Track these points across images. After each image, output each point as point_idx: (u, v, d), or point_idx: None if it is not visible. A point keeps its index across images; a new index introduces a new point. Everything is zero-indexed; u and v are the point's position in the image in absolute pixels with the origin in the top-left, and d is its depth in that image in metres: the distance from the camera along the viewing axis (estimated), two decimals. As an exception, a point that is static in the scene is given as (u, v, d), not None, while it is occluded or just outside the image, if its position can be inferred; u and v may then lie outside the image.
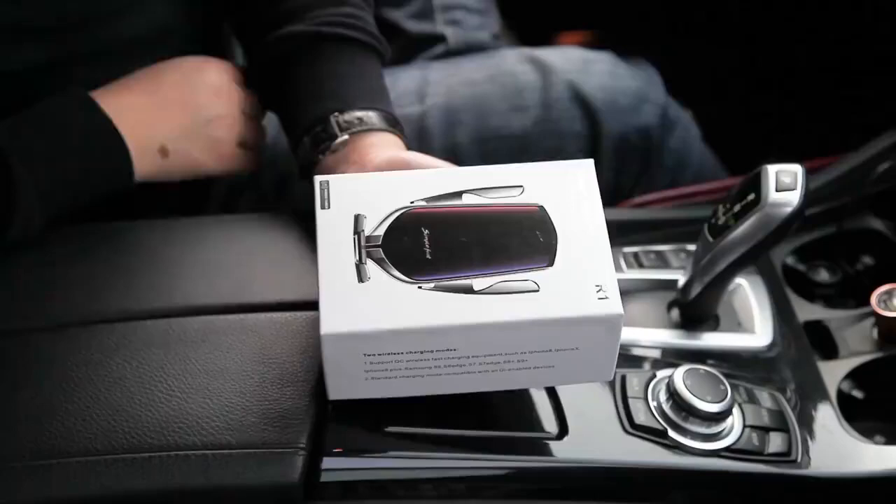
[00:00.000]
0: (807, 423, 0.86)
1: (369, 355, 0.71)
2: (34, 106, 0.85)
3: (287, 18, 0.92)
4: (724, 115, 1.59)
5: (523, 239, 0.73)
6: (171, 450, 0.73)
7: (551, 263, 0.72)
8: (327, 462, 0.74)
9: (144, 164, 0.90)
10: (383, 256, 0.72)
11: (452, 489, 0.78)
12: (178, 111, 0.90)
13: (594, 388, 0.83)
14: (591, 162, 0.77)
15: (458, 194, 0.76)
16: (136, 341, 0.80)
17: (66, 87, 0.87)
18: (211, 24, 1.04)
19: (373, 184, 0.77)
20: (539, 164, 0.77)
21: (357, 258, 0.72)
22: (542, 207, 0.75)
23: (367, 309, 0.70)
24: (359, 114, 0.88)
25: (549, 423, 0.79)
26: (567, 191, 0.76)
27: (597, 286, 0.71)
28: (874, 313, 0.94)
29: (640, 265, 0.97)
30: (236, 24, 1.00)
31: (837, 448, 0.85)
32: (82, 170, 0.87)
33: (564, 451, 0.78)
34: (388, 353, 0.71)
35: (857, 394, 0.93)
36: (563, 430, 0.79)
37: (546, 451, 0.78)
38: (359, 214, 0.74)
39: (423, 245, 0.73)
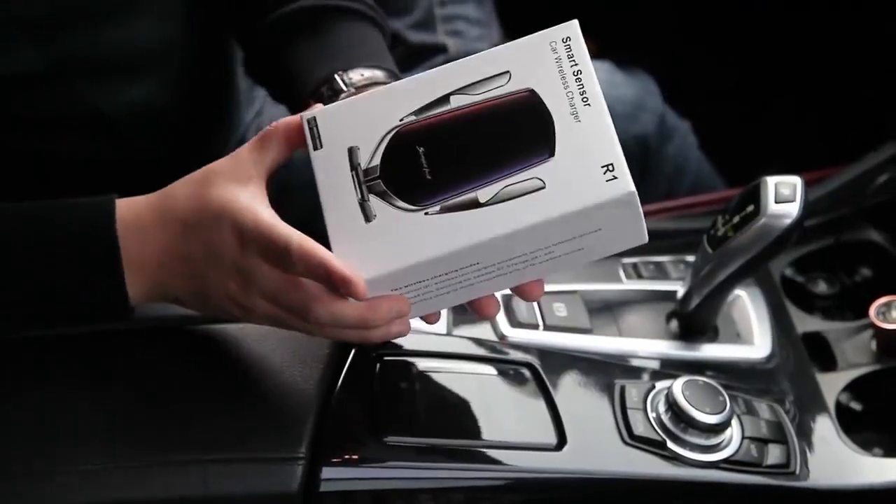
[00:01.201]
0: (805, 434, 0.86)
1: (396, 289, 0.71)
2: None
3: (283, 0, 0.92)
4: (722, 124, 1.59)
5: (520, 132, 0.69)
6: (170, 458, 0.73)
7: (552, 153, 0.69)
8: (327, 472, 0.74)
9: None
10: (384, 188, 0.71)
11: (451, 499, 0.78)
12: (186, 266, 0.74)
13: (593, 399, 0.83)
14: (574, 23, 0.72)
15: (446, 98, 0.72)
16: (136, 350, 0.80)
17: (74, 108, 0.85)
18: (216, 38, 1.03)
19: (360, 107, 0.74)
20: (521, 40, 0.73)
21: (359, 196, 0.71)
22: (532, 92, 0.70)
23: (379, 250, 0.69)
24: (364, 72, 0.86)
25: (548, 434, 0.79)
26: (555, 63, 0.70)
27: (603, 167, 0.68)
28: (873, 325, 0.94)
29: (640, 276, 0.97)
30: (235, 11, 0.99)
31: (836, 460, 0.85)
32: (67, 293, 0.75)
33: (563, 462, 0.78)
34: (412, 284, 0.71)
35: (856, 406, 0.93)
36: (562, 441, 0.79)
37: (545, 462, 0.78)
38: (352, 147, 0.72)
39: (421, 165, 0.71)
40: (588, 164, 0.68)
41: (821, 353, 0.96)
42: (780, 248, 0.86)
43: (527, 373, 0.83)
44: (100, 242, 0.73)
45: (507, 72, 0.71)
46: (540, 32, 0.72)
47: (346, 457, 0.75)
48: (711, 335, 0.94)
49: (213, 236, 0.71)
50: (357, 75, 0.86)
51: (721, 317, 0.94)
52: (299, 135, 0.74)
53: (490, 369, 0.82)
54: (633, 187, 0.67)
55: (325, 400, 0.78)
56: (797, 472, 0.82)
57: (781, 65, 1.68)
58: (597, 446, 0.80)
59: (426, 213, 0.69)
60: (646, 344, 0.91)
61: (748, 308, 0.95)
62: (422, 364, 0.81)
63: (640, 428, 0.81)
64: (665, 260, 0.99)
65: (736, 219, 0.87)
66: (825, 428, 0.87)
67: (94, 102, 0.90)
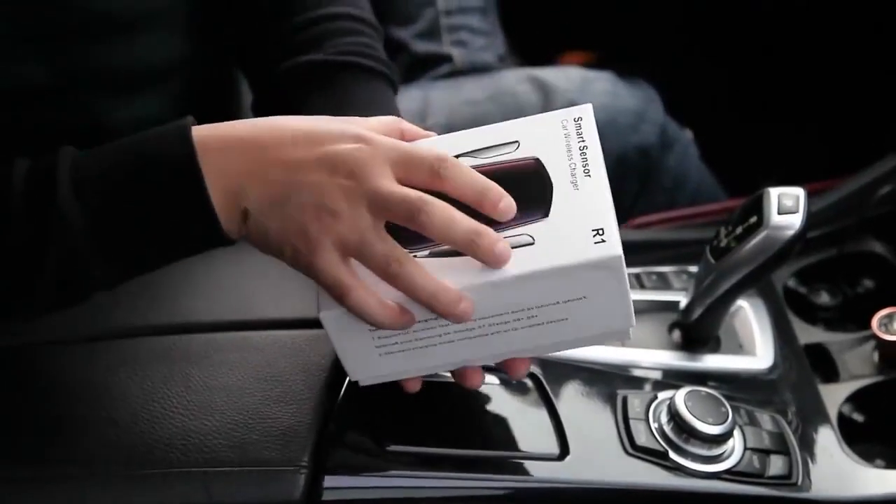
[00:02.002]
0: (807, 445, 0.86)
1: (373, 330, 0.71)
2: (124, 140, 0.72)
3: (304, 48, 0.92)
4: (724, 135, 1.59)
5: (518, 194, 0.69)
6: (172, 466, 0.73)
7: (546, 214, 0.69)
8: (329, 481, 0.74)
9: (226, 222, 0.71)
10: None
11: (453, 509, 0.78)
12: (277, 170, 0.69)
13: (596, 409, 0.83)
14: (588, 106, 0.73)
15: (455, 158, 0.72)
16: (138, 358, 0.80)
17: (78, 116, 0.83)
18: (222, 56, 1.03)
19: None
20: (535, 116, 0.74)
21: None
22: (537, 160, 0.71)
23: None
24: None
25: (550, 444, 0.79)
26: (564, 139, 0.72)
27: (594, 230, 0.68)
28: (875, 337, 0.94)
29: (642, 286, 0.97)
30: (246, 53, 1.00)
31: (838, 471, 0.85)
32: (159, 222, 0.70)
33: (565, 472, 0.78)
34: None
35: (858, 417, 0.93)
36: (564, 451, 0.79)
37: (547, 472, 0.78)
38: None
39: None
40: (579, 226, 0.68)
41: (823, 365, 0.96)
42: (783, 260, 0.86)
43: (529, 382, 0.83)
44: (176, 146, 0.70)
45: (517, 141, 0.72)
46: (554, 111, 0.73)
47: (349, 466, 0.76)
48: (714, 346, 0.94)
49: (335, 143, 0.68)
50: None
51: (723, 327, 0.94)
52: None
53: (492, 378, 0.82)
54: (619, 251, 0.67)
55: (328, 409, 0.78)
56: (799, 483, 0.82)
57: (784, 75, 1.68)
58: (599, 456, 0.80)
59: (415, 256, 0.69)
60: (648, 354, 0.91)
61: (751, 319, 0.96)
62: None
63: (642, 438, 0.81)
64: (667, 270, 0.99)
65: (739, 230, 0.87)
66: (827, 439, 0.87)
67: (99, 117, 0.90)
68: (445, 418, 0.79)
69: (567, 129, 0.72)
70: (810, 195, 0.87)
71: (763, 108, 1.71)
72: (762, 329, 0.95)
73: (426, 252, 0.70)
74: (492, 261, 0.67)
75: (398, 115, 0.90)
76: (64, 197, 0.68)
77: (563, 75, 1.29)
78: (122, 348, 0.81)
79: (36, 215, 0.69)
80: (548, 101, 1.24)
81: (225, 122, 0.71)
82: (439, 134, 0.76)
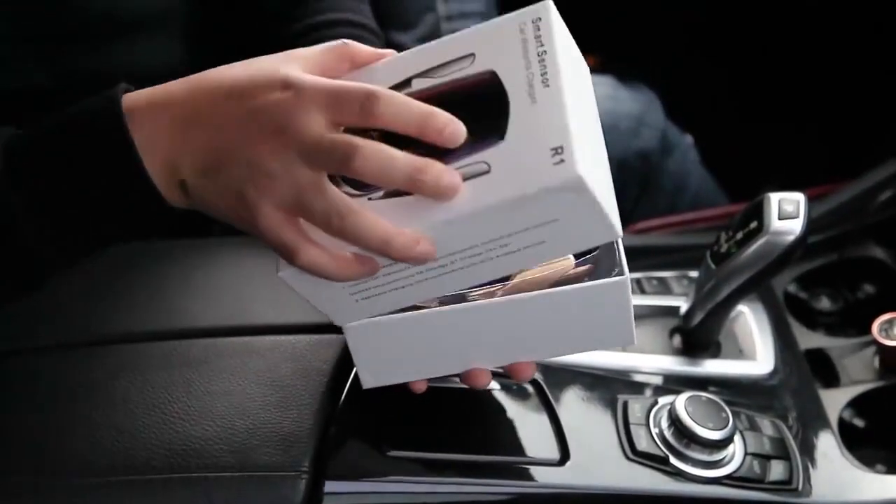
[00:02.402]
0: (808, 451, 0.86)
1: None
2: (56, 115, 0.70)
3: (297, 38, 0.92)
4: (725, 139, 1.59)
5: (472, 115, 0.63)
6: (173, 472, 0.73)
7: (502, 137, 0.62)
8: (329, 486, 0.74)
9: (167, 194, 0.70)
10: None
11: (454, 514, 0.78)
12: (208, 136, 0.66)
13: (596, 414, 0.83)
14: (548, 3, 0.65)
15: (407, 82, 0.66)
16: (139, 363, 0.80)
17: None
18: (223, 59, 1.03)
19: None
20: (490, 22, 0.66)
21: None
22: (493, 73, 0.64)
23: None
24: None
25: (551, 449, 0.79)
26: (521, 45, 0.64)
27: (552, 150, 0.60)
28: (875, 342, 0.94)
29: (643, 291, 0.97)
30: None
31: (838, 477, 0.85)
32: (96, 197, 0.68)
33: (566, 477, 0.78)
34: None
35: (859, 422, 0.93)
36: (565, 456, 0.79)
37: (548, 477, 0.78)
38: None
39: None
40: (536, 147, 0.61)
41: (824, 370, 0.96)
42: (784, 265, 0.86)
43: (530, 388, 0.83)
44: (107, 120, 0.67)
45: (472, 54, 0.65)
46: (510, 14, 0.65)
47: (350, 471, 0.75)
48: (714, 351, 0.94)
49: (260, 96, 0.64)
50: None
51: (724, 333, 0.94)
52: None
53: (493, 384, 0.82)
54: (580, 171, 0.60)
55: (329, 414, 0.78)
56: (800, 488, 0.82)
57: (784, 79, 1.68)
58: (599, 461, 0.80)
59: (369, 199, 0.65)
60: (649, 359, 0.91)
61: (751, 324, 0.96)
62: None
63: (642, 443, 0.81)
64: (668, 275, 0.99)
65: (739, 235, 0.87)
66: (828, 444, 0.87)
67: None
68: (446, 423, 0.79)
69: (525, 35, 0.64)
70: (811, 200, 0.87)
71: (763, 112, 1.71)
72: (763, 334, 0.95)
73: (381, 193, 0.64)
74: (440, 196, 0.62)
75: None
76: None
77: (563, 79, 1.29)
78: (123, 353, 0.81)
79: None
80: (548, 105, 1.24)
81: (161, 85, 0.68)
82: None
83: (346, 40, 0.69)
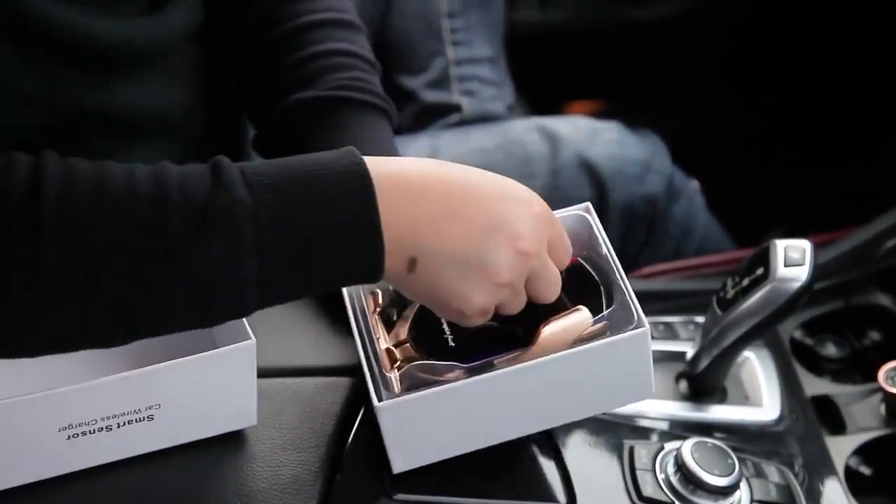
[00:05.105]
0: (814, 498, 0.86)
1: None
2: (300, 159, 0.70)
3: (299, 85, 0.93)
4: (731, 185, 1.60)
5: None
6: (180, 514, 0.74)
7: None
8: (336, 529, 0.74)
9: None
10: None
11: (461, 558, 0.77)
12: (458, 228, 0.69)
13: (603, 459, 0.83)
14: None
15: None
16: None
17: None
18: (228, 102, 1.04)
19: None
20: None
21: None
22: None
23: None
24: None
25: (558, 493, 0.79)
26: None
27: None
28: (882, 389, 0.94)
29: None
30: (247, 91, 1.01)
31: (845, 524, 0.85)
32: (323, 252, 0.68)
33: (572, 522, 0.78)
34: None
35: (865, 470, 0.93)
36: (572, 501, 0.79)
37: (554, 522, 0.78)
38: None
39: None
40: None
41: (830, 417, 0.96)
42: (790, 312, 0.86)
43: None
44: (354, 179, 0.68)
45: None
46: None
47: (356, 514, 0.76)
48: (720, 396, 0.94)
49: (522, 206, 0.71)
50: None
51: (730, 378, 0.94)
52: None
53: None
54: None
55: (336, 456, 0.78)
56: (806, 536, 0.82)
57: (790, 127, 1.69)
58: (606, 507, 0.80)
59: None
60: (655, 404, 0.91)
61: (757, 370, 0.96)
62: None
63: (648, 489, 0.80)
64: (674, 320, 0.99)
65: (745, 281, 0.87)
66: (834, 492, 0.87)
67: (107, 160, 0.90)
68: (453, 467, 0.79)
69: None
70: (817, 247, 0.87)
71: (769, 159, 1.72)
72: (769, 380, 0.95)
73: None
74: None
75: (393, 149, 0.91)
76: (236, 184, 0.66)
77: (570, 125, 1.30)
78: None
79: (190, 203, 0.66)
80: (556, 150, 1.25)
81: (391, 160, 0.71)
82: None
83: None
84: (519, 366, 0.72)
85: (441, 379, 0.73)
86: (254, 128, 0.99)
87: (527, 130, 1.28)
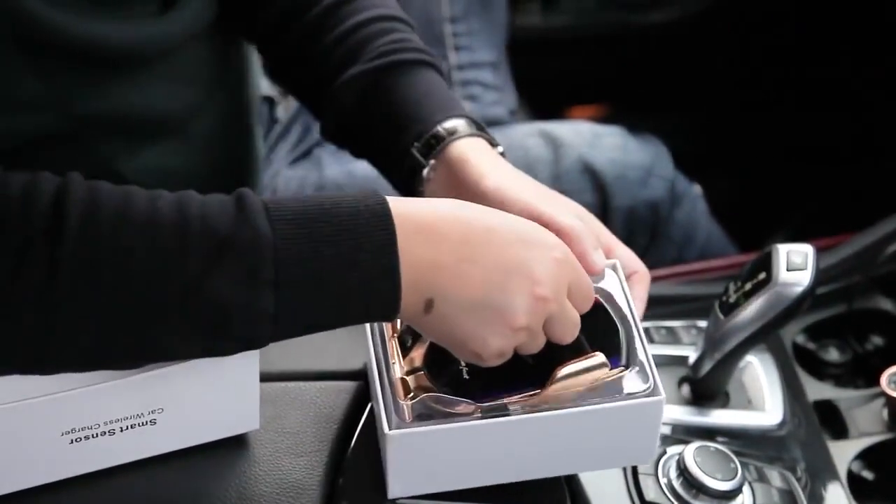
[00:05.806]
0: (817, 503, 0.85)
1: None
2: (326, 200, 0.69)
3: (343, 64, 0.93)
4: (733, 190, 1.60)
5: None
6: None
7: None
8: (338, 533, 0.74)
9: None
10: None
11: (461, 563, 0.77)
12: (477, 273, 0.69)
13: (605, 464, 0.83)
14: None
15: None
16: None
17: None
18: (236, 103, 1.04)
19: None
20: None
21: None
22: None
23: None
24: (447, 125, 0.87)
25: (560, 498, 0.79)
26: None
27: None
28: (884, 394, 0.94)
29: (651, 341, 0.97)
30: (300, 84, 1.00)
31: (847, 529, 0.85)
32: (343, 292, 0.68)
33: (575, 527, 0.78)
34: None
35: (867, 475, 0.92)
36: (574, 505, 0.79)
37: (556, 527, 0.78)
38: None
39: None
40: None
41: (832, 421, 0.96)
42: (792, 316, 0.86)
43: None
44: (375, 219, 0.69)
45: None
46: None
47: (358, 518, 0.76)
48: (723, 401, 0.94)
49: (542, 251, 0.71)
50: (449, 124, 0.87)
51: (732, 383, 0.94)
52: None
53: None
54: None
55: (339, 460, 0.78)
56: (808, 540, 0.82)
57: (793, 132, 1.69)
58: (608, 512, 0.80)
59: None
60: (657, 409, 0.91)
61: (760, 375, 0.95)
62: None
63: (651, 493, 0.80)
64: (677, 325, 0.99)
65: (748, 286, 0.87)
66: (837, 496, 0.87)
67: (113, 164, 0.90)
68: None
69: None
70: (819, 251, 0.87)
71: (771, 163, 1.72)
72: (771, 385, 0.95)
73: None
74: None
75: (447, 96, 0.91)
76: (258, 215, 0.67)
77: (573, 130, 1.30)
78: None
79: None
80: (558, 155, 1.25)
81: (415, 201, 0.71)
82: None
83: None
84: (531, 415, 0.73)
85: (452, 412, 0.72)
86: (314, 117, 0.98)
87: (529, 135, 1.28)
